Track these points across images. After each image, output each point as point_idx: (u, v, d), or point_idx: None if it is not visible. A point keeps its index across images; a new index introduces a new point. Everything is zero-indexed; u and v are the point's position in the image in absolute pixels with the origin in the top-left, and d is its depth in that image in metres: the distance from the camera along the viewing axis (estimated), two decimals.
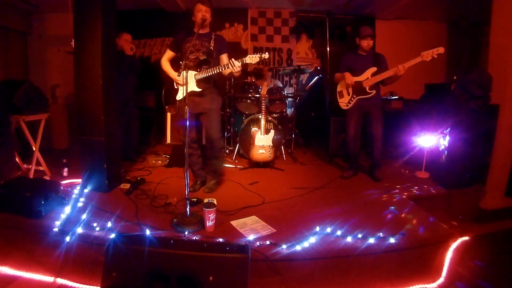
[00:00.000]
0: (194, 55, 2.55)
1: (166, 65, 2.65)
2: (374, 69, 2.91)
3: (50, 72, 5.18)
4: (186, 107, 2.05)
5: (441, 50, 2.60)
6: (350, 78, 3.00)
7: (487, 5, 3.03)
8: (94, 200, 2.39)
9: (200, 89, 2.54)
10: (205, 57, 2.53)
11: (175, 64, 2.62)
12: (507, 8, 2.83)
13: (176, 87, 2.63)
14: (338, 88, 3.19)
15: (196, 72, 2.52)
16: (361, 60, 3.02)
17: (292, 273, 1.75)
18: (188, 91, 2.54)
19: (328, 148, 4.22)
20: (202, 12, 2.46)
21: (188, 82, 2.50)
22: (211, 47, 2.53)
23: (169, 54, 2.67)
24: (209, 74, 2.46)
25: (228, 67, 2.34)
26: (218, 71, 2.42)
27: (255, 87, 4.02)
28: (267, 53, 2.29)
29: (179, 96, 2.61)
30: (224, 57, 2.58)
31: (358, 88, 3.00)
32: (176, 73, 2.55)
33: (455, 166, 2.91)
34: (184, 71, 2.07)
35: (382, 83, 2.98)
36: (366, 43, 2.96)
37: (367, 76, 2.95)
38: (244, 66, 2.40)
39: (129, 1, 4.77)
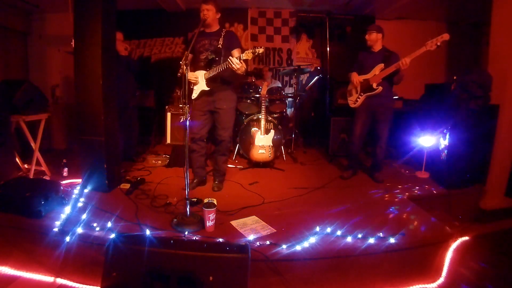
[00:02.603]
0: (204, 55, 2.58)
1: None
2: (381, 65, 2.88)
3: (50, 72, 5.18)
4: (186, 107, 2.04)
5: (445, 37, 2.52)
6: (355, 78, 3.01)
7: (487, 5, 3.03)
8: (94, 200, 2.39)
9: (209, 88, 2.56)
10: (213, 56, 2.54)
11: (192, 64, 2.67)
12: (507, 8, 2.83)
13: (191, 87, 2.66)
14: (349, 87, 3.18)
15: (206, 72, 2.55)
16: (371, 57, 3.00)
17: (292, 273, 1.75)
18: (199, 90, 2.59)
19: (328, 148, 4.21)
20: (203, 12, 2.47)
21: (199, 82, 2.58)
22: (219, 45, 2.53)
23: (189, 57, 2.66)
24: (215, 72, 2.48)
25: (230, 65, 2.34)
26: (223, 68, 2.42)
27: (255, 87, 4.02)
28: (262, 47, 2.26)
29: (194, 95, 2.65)
30: (235, 52, 2.54)
31: (365, 86, 2.99)
32: (193, 79, 2.59)
33: (455, 166, 2.91)
34: (186, 73, 2.07)
35: (394, 82, 2.93)
36: (367, 37, 2.97)
37: (375, 73, 2.93)
38: (244, 63, 2.41)
39: (129, 1, 4.77)
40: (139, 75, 3.73)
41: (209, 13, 2.49)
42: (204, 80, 2.57)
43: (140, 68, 3.69)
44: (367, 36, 2.98)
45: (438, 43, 2.56)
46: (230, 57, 2.33)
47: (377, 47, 2.99)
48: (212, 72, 2.50)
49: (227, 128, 2.71)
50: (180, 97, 3.81)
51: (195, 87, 2.63)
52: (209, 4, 2.49)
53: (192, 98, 2.65)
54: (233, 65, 2.31)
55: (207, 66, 2.57)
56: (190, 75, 2.58)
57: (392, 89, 3.03)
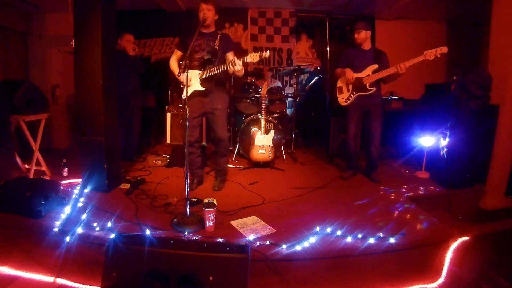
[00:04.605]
0: (199, 55, 2.56)
1: (173, 65, 2.66)
2: (375, 66, 2.88)
3: (50, 72, 5.18)
4: (186, 107, 2.05)
5: (444, 49, 2.56)
6: (350, 74, 2.96)
7: (487, 5, 3.03)
8: (94, 200, 2.39)
9: (204, 88, 2.55)
10: (209, 57, 2.53)
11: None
12: (507, 8, 2.83)
13: (182, 87, 2.63)
14: (338, 84, 3.15)
15: (200, 72, 2.54)
16: (362, 56, 2.98)
17: (292, 273, 1.75)
18: (193, 90, 2.57)
19: (328, 148, 4.21)
20: (204, 11, 2.46)
21: (192, 82, 2.54)
22: (216, 46, 2.53)
23: (177, 53, 2.68)
24: (212, 73, 2.47)
25: (230, 66, 2.33)
26: (221, 70, 2.42)
27: (255, 87, 4.02)
28: (268, 51, 2.25)
29: (185, 95, 2.62)
30: (229, 55, 2.57)
31: (358, 85, 2.97)
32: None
33: (455, 166, 2.91)
34: (185, 72, 2.07)
35: (383, 81, 2.96)
36: (356, 36, 2.96)
37: (368, 73, 2.91)
38: (245, 65, 2.40)
39: (129, 1, 4.77)
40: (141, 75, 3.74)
41: (210, 13, 2.48)
42: (198, 80, 2.55)
43: (145, 69, 3.70)
44: (356, 35, 2.96)
45: (438, 55, 2.59)
46: (233, 59, 2.33)
47: (367, 46, 2.99)
48: (208, 73, 2.49)
49: (224, 126, 2.71)
50: (178, 97, 3.83)
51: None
52: (209, 4, 2.48)
53: (183, 98, 2.63)
54: (235, 67, 2.30)
55: (202, 66, 2.56)
56: (181, 78, 2.58)
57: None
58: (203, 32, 2.60)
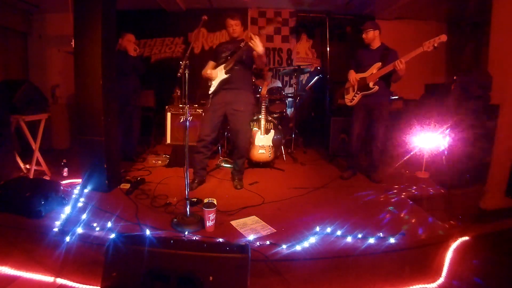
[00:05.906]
0: (225, 54, 2.66)
1: (205, 73, 2.77)
2: (378, 64, 2.85)
3: (50, 72, 5.18)
4: (186, 107, 2.05)
5: (443, 38, 2.46)
6: (352, 76, 3.01)
7: (487, 5, 3.03)
8: (94, 200, 2.39)
9: (228, 75, 2.60)
10: (233, 50, 2.62)
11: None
12: (507, 8, 2.83)
13: (209, 84, 2.72)
14: (346, 85, 3.16)
15: (225, 64, 2.62)
16: (369, 55, 2.97)
17: (292, 273, 1.75)
18: (219, 80, 2.65)
19: (328, 148, 4.21)
20: (232, 27, 2.62)
21: (218, 75, 2.66)
22: (241, 45, 2.59)
23: (209, 65, 2.78)
24: (235, 58, 2.54)
25: (249, 41, 2.39)
26: (243, 50, 2.50)
27: (255, 87, 4.02)
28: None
29: (211, 90, 2.69)
30: (255, 53, 2.58)
31: (361, 84, 2.97)
32: (208, 71, 2.70)
33: (455, 166, 2.91)
34: (185, 71, 2.06)
35: (389, 81, 2.92)
36: (364, 36, 2.96)
37: (372, 72, 2.90)
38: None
39: (129, 1, 4.77)
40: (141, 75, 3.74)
41: (237, 28, 2.61)
42: (223, 70, 2.62)
43: (145, 70, 3.70)
44: (364, 35, 2.95)
45: (436, 44, 2.51)
46: (250, 34, 2.41)
47: (376, 44, 2.96)
48: (232, 60, 2.56)
49: (244, 129, 2.75)
50: (181, 97, 3.83)
51: (213, 82, 2.66)
52: (236, 19, 2.60)
53: (210, 92, 2.68)
54: (253, 41, 2.34)
55: (226, 60, 2.65)
56: (208, 72, 2.70)
57: (390, 88, 3.01)
58: (233, 39, 2.73)
